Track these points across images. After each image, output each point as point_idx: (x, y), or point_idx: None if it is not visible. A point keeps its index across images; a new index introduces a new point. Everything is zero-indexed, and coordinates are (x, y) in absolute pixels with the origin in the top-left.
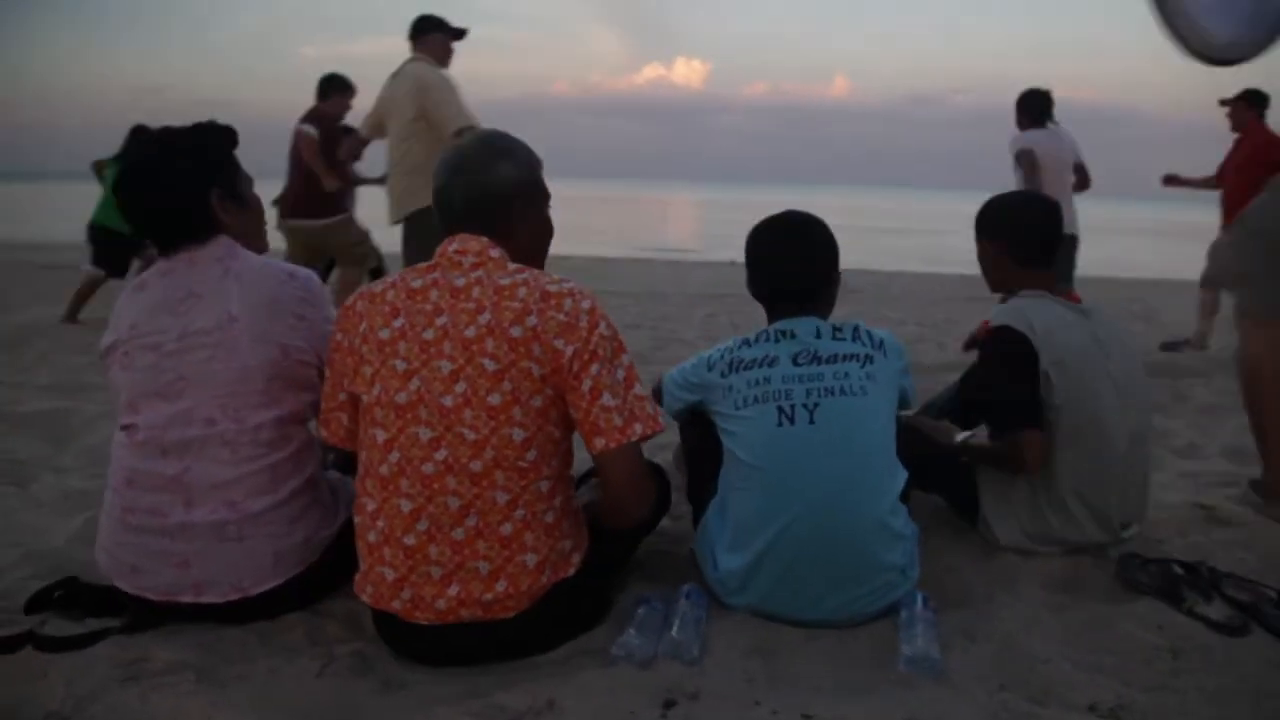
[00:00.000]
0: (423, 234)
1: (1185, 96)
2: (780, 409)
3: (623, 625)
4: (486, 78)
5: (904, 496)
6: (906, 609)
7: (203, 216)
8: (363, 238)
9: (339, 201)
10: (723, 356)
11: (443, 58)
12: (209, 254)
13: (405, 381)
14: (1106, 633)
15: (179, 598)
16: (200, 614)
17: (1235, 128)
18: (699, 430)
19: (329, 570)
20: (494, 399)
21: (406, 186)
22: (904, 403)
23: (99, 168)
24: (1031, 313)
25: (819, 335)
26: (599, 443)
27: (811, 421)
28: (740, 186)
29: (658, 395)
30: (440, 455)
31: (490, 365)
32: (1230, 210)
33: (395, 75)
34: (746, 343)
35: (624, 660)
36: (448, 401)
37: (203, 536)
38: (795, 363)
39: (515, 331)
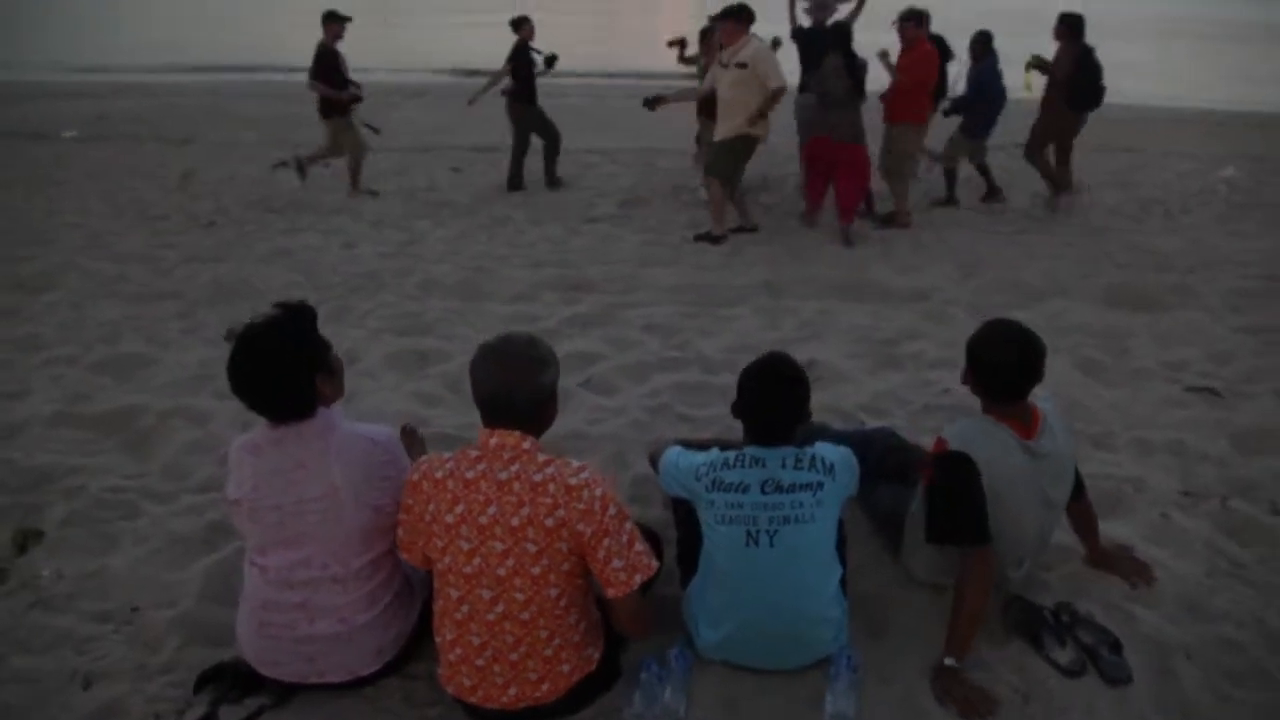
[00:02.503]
0: (742, 153)
1: None
2: (749, 532)
3: (630, 684)
4: None
5: (840, 580)
6: (835, 664)
7: (310, 396)
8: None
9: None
10: (708, 472)
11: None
12: (312, 429)
13: (470, 558)
14: (984, 676)
15: (307, 680)
16: (322, 687)
17: (905, 39)
18: (689, 505)
19: (413, 646)
20: (535, 570)
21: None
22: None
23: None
24: (979, 442)
25: (784, 465)
26: (610, 592)
27: (771, 545)
28: None
29: (655, 464)
30: (499, 609)
31: (531, 548)
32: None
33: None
34: (727, 464)
35: None
36: (501, 572)
37: (323, 642)
38: (763, 490)
39: (549, 522)
